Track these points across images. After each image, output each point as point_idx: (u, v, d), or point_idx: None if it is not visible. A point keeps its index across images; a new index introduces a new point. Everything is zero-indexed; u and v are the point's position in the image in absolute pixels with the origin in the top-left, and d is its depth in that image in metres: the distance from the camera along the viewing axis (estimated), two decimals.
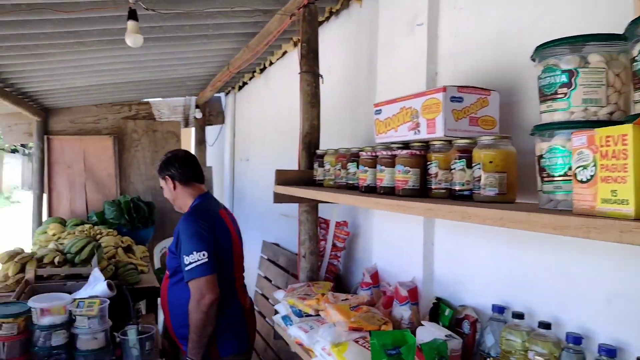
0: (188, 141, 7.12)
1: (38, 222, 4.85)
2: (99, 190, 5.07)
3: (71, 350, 2.15)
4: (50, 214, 4.88)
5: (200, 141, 5.56)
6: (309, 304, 1.78)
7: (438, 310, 1.56)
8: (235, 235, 2.28)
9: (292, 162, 3.35)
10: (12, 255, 2.86)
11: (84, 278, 2.88)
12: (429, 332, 1.38)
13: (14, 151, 23.62)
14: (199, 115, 5.40)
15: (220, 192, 5.71)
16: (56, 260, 2.90)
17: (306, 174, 2.14)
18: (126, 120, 5.24)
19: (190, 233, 2.09)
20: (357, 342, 1.46)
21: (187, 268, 2.06)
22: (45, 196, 4.95)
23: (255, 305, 3.56)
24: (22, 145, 24.10)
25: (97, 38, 2.74)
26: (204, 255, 2.02)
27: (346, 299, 1.74)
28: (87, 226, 3.99)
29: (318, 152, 2.07)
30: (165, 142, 5.33)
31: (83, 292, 2.47)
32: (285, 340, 1.91)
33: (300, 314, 1.82)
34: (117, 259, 3.47)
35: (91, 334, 2.18)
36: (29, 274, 2.68)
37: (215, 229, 2.14)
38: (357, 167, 1.69)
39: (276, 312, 2.10)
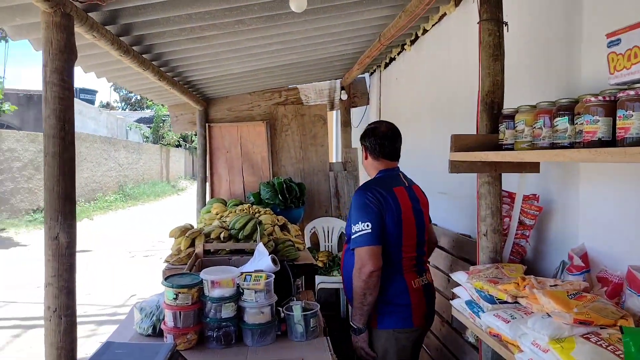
0: (332, 124, 7.16)
1: (202, 202, 5.24)
2: (254, 173, 5.30)
3: (239, 323, 2.17)
4: (212, 195, 5.24)
5: (345, 123, 5.49)
6: (505, 288, 1.49)
7: None
8: (410, 214, 2.21)
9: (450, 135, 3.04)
10: (184, 231, 3.04)
11: (247, 253, 2.96)
12: None
13: (177, 146, 26.75)
14: (344, 97, 5.33)
15: (365, 174, 5.60)
16: (222, 235, 3.01)
17: (488, 138, 1.83)
18: (277, 106, 5.38)
19: (358, 205, 2.15)
20: (587, 338, 1.14)
21: (352, 237, 2.14)
22: (207, 179, 5.34)
23: None
24: (184, 140, 27.19)
25: (257, 15, 2.74)
26: (367, 225, 2.08)
27: (555, 285, 1.42)
28: (246, 205, 4.15)
29: (505, 111, 1.75)
30: (313, 126, 5.36)
31: (249, 267, 2.49)
32: (470, 328, 1.65)
33: (492, 300, 1.54)
34: (274, 236, 3.52)
35: (258, 307, 2.17)
36: (198, 248, 2.81)
37: (384, 204, 2.14)
38: (570, 122, 1.34)
39: (453, 296, 1.85)
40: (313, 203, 5.29)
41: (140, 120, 27.72)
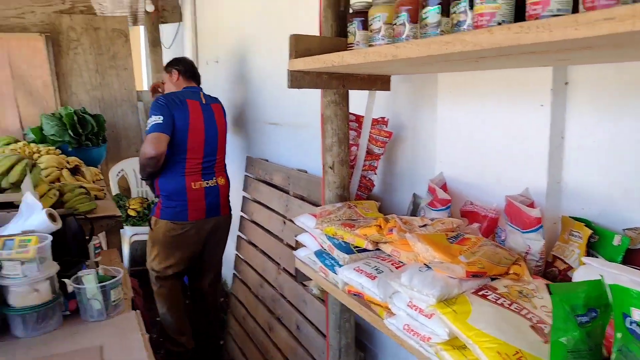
0: (138, 43, 6.08)
1: None
2: (34, 102, 4.13)
3: (1, 309, 1.52)
4: None
5: (154, 42, 4.58)
6: (364, 233, 1.17)
7: (590, 239, 0.98)
8: (199, 125, 2.64)
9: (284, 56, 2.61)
10: None
11: (16, 207, 2.16)
12: (609, 276, 0.80)
13: None
14: (150, 8, 4.39)
15: None
16: None
17: (334, 42, 1.44)
18: (60, 15, 4.19)
19: (153, 105, 2.57)
20: (483, 296, 0.88)
21: (146, 129, 2.53)
22: None
23: (242, 232, 2.97)
24: None
25: None
26: (159, 118, 2.48)
27: (425, 225, 1.14)
28: (20, 144, 3.16)
29: (355, 6, 1.35)
30: (112, 43, 4.35)
31: (12, 227, 1.75)
32: (324, 287, 1.31)
33: (348, 250, 1.21)
34: (62, 182, 2.72)
35: (29, 284, 1.53)
36: None
37: (175, 108, 2.56)
38: (444, 13, 1.02)
39: (297, 245, 1.50)
40: (119, 141, 4.41)
41: None
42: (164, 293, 2.82)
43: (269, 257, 2.58)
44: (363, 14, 1.31)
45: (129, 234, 3.73)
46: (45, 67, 4.10)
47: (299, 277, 1.45)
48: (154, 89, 3.24)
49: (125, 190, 4.36)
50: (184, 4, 4.57)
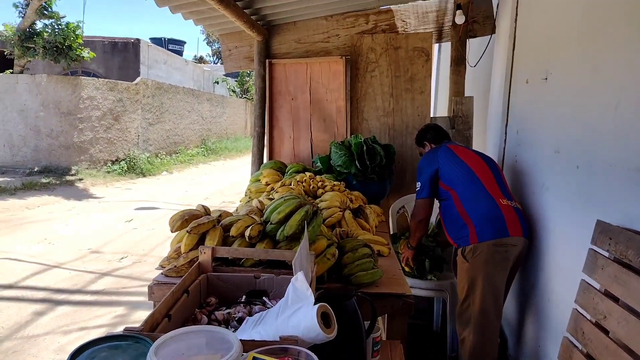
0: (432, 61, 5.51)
1: (258, 165, 4.03)
2: (326, 128, 3.96)
3: None
4: (270, 157, 4.00)
5: (458, 60, 3.86)
6: None
7: None
8: (473, 158, 2.74)
9: None
10: (187, 219, 1.79)
11: (288, 268, 1.67)
12: None
13: None
14: (460, 20, 3.69)
15: (481, 130, 3.98)
16: (248, 233, 1.71)
17: None
18: (361, 36, 3.91)
19: (418, 167, 2.85)
20: None
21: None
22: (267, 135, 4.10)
23: (574, 335, 1.88)
24: None
25: None
26: (419, 184, 2.77)
27: None
28: (307, 174, 2.85)
29: None
30: (411, 63, 3.83)
31: (270, 323, 1.18)
32: None
33: None
34: (342, 229, 2.19)
35: None
36: (204, 254, 1.55)
37: (437, 158, 2.74)
38: None
39: None
40: (404, 173, 3.85)
41: (229, 75, 27.35)
42: (483, 346, 2.44)
43: None
44: None
45: None
46: (341, 91, 3.87)
47: None
48: None
49: (404, 229, 3.74)
50: (501, 12, 3.69)
